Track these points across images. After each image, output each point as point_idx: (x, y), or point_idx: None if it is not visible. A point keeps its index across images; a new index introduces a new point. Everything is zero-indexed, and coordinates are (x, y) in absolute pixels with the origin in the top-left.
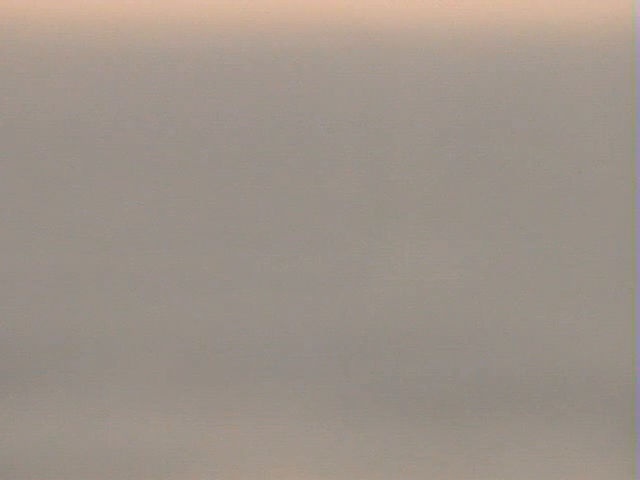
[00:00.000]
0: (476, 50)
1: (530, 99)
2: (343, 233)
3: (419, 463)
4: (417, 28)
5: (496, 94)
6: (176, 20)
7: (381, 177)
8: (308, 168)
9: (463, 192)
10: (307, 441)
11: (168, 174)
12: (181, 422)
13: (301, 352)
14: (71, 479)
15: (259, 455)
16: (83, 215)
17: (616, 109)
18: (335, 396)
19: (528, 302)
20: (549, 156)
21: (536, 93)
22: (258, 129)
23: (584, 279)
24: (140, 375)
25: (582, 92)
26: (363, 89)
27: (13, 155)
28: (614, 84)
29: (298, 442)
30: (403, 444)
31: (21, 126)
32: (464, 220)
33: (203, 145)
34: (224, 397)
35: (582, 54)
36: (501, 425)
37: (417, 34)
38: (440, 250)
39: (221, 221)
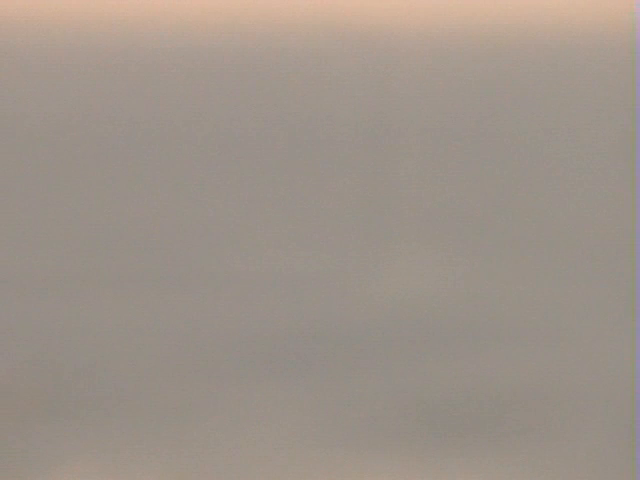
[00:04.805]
0: (476, 50)
1: (530, 99)
2: (342, 236)
3: (416, 465)
4: (417, 28)
5: (496, 94)
6: (176, 20)
7: (381, 178)
8: (308, 168)
9: (463, 192)
10: (300, 445)
11: (168, 173)
12: (178, 421)
13: (298, 353)
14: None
15: (252, 458)
16: (83, 215)
17: (616, 109)
18: (329, 398)
19: (527, 310)
20: (549, 158)
21: (536, 93)
22: (258, 129)
23: (586, 290)
24: (137, 374)
25: (582, 92)
26: (363, 89)
27: (13, 155)
28: (614, 84)
29: (288, 444)
30: (397, 447)
31: (21, 126)
32: (464, 222)
33: (203, 144)
34: (221, 397)
35: (582, 54)
36: (497, 431)
37: (417, 34)
38: (440, 254)
39: (220, 221)
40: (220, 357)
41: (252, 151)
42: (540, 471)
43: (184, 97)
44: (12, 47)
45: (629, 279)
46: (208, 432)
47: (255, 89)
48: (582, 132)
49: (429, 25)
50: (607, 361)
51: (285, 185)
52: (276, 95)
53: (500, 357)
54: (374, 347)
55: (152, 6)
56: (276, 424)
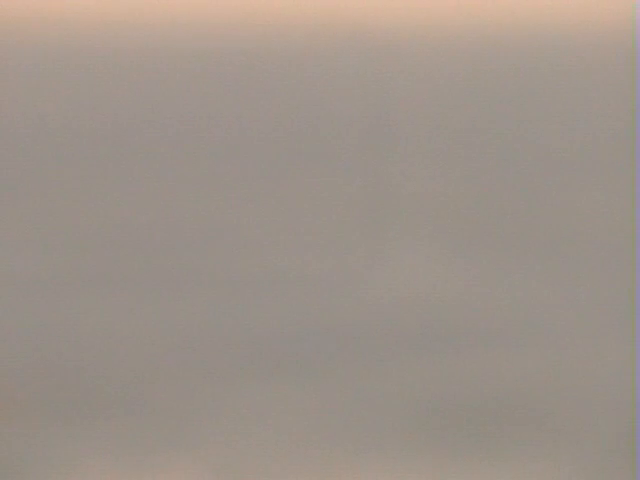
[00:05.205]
0: (476, 50)
1: (530, 99)
2: (343, 236)
3: (416, 465)
4: (417, 28)
5: (496, 94)
6: (176, 20)
7: (381, 177)
8: (308, 168)
9: (463, 192)
10: (298, 443)
11: (169, 173)
12: (178, 418)
13: (298, 353)
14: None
15: (252, 457)
16: (83, 215)
17: (616, 109)
18: (329, 398)
19: (527, 310)
20: (549, 158)
21: (536, 93)
22: (258, 129)
23: (585, 289)
24: (138, 374)
25: (582, 92)
26: (362, 88)
27: (13, 155)
28: (614, 84)
29: (289, 444)
30: (394, 448)
31: (20, 126)
32: (464, 221)
33: (203, 145)
34: (222, 397)
35: (582, 54)
36: (497, 432)
37: (417, 34)
38: (439, 253)
39: (220, 221)
40: (220, 357)
41: (252, 151)
42: (540, 472)
43: (184, 97)
44: (12, 47)
45: (629, 280)
46: (208, 432)
47: (255, 89)
48: (582, 132)
49: (429, 25)
50: (607, 362)
51: (286, 185)
52: (276, 95)
53: (500, 357)
54: (375, 347)
55: (152, 6)
56: (276, 423)
